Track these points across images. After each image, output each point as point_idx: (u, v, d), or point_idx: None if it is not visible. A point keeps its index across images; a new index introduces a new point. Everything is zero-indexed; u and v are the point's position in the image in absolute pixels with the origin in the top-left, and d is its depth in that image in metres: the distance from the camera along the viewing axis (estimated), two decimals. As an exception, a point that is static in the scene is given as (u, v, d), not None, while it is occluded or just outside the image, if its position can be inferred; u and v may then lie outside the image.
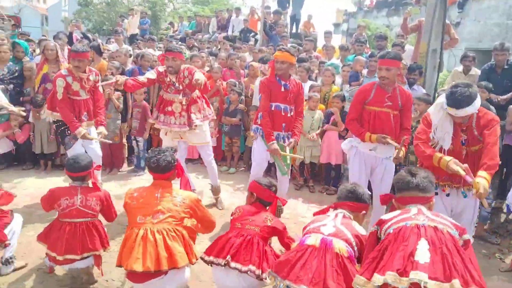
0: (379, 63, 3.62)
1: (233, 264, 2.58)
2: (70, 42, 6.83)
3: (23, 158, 5.92)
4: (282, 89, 3.98)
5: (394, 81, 3.61)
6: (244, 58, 7.35)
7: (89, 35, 7.30)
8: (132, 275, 2.60)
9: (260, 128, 4.05)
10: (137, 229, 2.64)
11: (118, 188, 5.14)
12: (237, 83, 6.15)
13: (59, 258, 2.89)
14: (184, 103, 4.30)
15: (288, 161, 4.07)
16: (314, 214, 2.69)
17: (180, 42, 10.33)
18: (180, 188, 3.12)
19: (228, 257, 2.59)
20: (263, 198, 3.03)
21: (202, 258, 2.76)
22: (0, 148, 5.60)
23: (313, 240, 2.27)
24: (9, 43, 6.14)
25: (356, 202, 2.56)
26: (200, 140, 4.53)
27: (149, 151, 3.02)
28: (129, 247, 2.59)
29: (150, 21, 15.20)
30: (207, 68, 6.81)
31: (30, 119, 5.61)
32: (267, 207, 3.03)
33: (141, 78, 4.29)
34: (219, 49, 9.41)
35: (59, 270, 3.21)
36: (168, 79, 4.27)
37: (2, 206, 3.18)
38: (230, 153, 6.14)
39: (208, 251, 2.76)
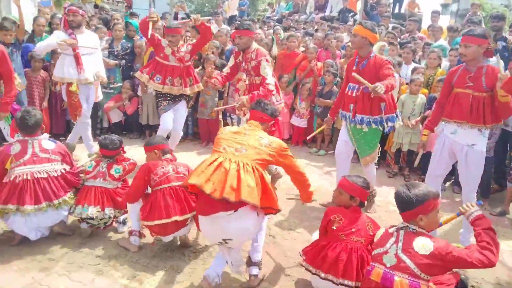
0: (461, 39, 3.31)
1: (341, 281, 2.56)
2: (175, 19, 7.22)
3: (131, 128, 6.48)
4: (355, 67, 3.79)
5: (474, 59, 3.23)
6: (342, 38, 7.11)
7: (192, 15, 7.61)
8: (201, 206, 2.60)
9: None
10: (217, 155, 2.65)
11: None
12: (334, 63, 6.00)
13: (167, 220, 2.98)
14: (247, 82, 4.30)
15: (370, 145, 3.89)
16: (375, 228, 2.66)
17: (276, 23, 10.36)
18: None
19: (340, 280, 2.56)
20: (362, 200, 2.87)
21: (305, 268, 2.76)
22: (112, 118, 6.23)
23: (375, 275, 2.24)
24: (123, 22, 6.70)
25: None
26: None
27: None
28: (202, 168, 2.57)
29: (248, 2, 15.43)
30: (302, 48, 6.74)
31: (139, 93, 6.09)
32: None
33: (225, 70, 4.59)
34: (316, 29, 9.24)
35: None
36: (239, 58, 4.36)
37: (129, 174, 3.52)
38: (321, 135, 6.06)
39: (311, 260, 2.71)
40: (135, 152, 5.70)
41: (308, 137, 5.23)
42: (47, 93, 5.62)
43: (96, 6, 11.83)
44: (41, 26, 5.84)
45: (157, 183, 3.10)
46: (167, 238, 3.17)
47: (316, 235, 2.97)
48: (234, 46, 6.29)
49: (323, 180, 4.97)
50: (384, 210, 4.24)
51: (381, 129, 3.83)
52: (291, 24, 10.37)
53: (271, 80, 4.16)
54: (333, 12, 11.39)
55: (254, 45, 4.34)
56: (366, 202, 3.04)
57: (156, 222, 2.99)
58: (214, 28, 8.05)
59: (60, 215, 3.25)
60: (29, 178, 3.08)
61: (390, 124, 3.81)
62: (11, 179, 3.09)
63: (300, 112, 6.15)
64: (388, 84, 3.40)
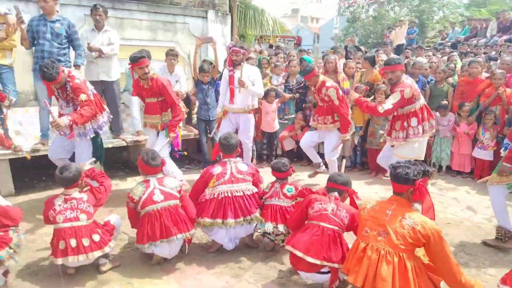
0: None
1: None
2: (346, 54, 7.46)
3: (301, 155, 6.83)
4: None
5: None
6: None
7: (362, 47, 7.80)
8: None
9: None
10: (361, 241, 2.67)
11: (383, 192, 5.28)
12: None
13: (299, 254, 2.96)
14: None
15: None
16: None
17: (451, 49, 9.72)
18: (423, 212, 2.79)
19: None
20: None
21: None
22: (286, 146, 6.72)
23: None
24: (298, 59, 7.25)
25: None
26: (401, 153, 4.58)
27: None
28: (350, 257, 2.69)
29: (417, 30, 14.87)
30: (485, 74, 6.17)
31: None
32: None
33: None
34: (499, 53, 8.32)
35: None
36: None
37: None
38: None
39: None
40: (304, 177, 6.02)
41: (480, 180, 4.62)
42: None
43: (270, 46, 13.11)
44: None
45: (311, 217, 3.16)
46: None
47: None
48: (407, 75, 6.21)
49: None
50: None
51: None
52: (469, 49, 9.59)
53: (387, 105, 4.33)
54: (522, 33, 10.10)
55: (404, 76, 4.44)
56: None
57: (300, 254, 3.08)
58: (383, 58, 8.03)
59: (251, 228, 3.64)
60: (229, 195, 3.53)
61: None
62: (215, 196, 3.55)
63: (484, 144, 5.60)
64: None
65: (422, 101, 4.48)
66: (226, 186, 3.56)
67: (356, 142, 6.20)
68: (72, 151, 4.37)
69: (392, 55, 4.79)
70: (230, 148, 3.75)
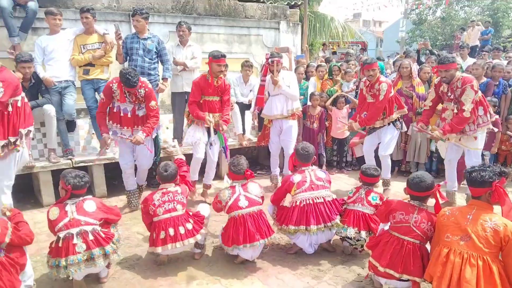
0: None
1: None
2: (418, 58, 7.35)
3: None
4: None
5: None
6: None
7: (435, 50, 7.62)
8: None
9: None
10: (443, 247, 2.67)
11: (461, 200, 5.15)
12: None
13: (380, 269, 3.00)
14: (455, 111, 4.48)
15: None
16: None
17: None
18: (503, 215, 2.69)
19: None
20: None
21: None
22: (357, 152, 6.73)
23: None
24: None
25: None
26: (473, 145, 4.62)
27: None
28: (433, 264, 2.69)
29: (492, 30, 14.09)
30: None
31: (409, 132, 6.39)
32: None
33: (426, 103, 4.95)
34: None
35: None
36: (442, 88, 4.62)
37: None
38: None
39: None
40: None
41: None
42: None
43: (334, 53, 13.11)
44: (300, 74, 6.95)
45: (391, 227, 3.16)
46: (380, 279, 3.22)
47: None
48: (488, 79, 6.00)
49: None
50: None
51: None
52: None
53: (468, 106, 4.36)
54: None
55: (458, 73, 4.50)
56: None
57: (376, 263, 3.14)
58: (459, 61, 7.79)
59: (331, 234, 3.77)
60: (311, 202, 3.65)
61: None
62: (297, 203, 3.68)
63: None
64: None
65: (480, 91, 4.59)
66: (307, 193, 3.69)
67: (433, 148, 6.09)
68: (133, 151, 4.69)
69: (445, 54, 4.82)
70: (308, 157, 3.86)
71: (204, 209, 3.83)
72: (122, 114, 4.39)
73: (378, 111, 5.00)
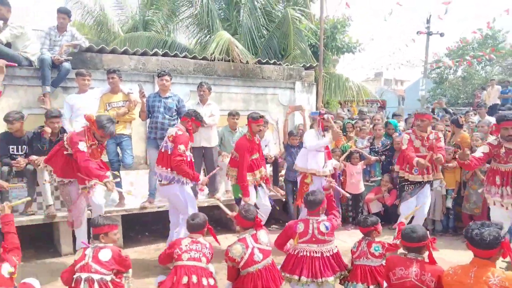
0: None
1: None
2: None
3: (389, 219, 6.74)
4: None
5: None
6: None
7: (450, 109, 7.73)
8: None
9: None
10: None
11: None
12: None
13: None
14: None
15: None
16: None
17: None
18: None
19: None
20: None
21: None
22: (372, 208, 6.70)
23: None
24: (383, 122, 7.41)
25: None
26: None
27: (476, 222, 2.82)
28: None
29: (512, 89, 14.13)
30: None
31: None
32: None
33: (477, 155, 4.56)
34: None
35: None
36: (503, 150, 4.38)
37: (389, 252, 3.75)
38: None
39: None
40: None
41: None
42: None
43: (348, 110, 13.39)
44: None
45: (392, 285, 3.11)
46: None
47: None
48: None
49: None
50: None
51: None
52: None
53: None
54: None
55: None
56: None
57: None
58: (476, 119, 7.86)
59: None
60: (307, 254, 3.64)
61: None
62: (295, 253, 3.70)
63: None
64: None
65: None
66: (305, 245, 3.69)
67: (449, 205, 6.01)
68: None
69: (505, 112, 4.82)
70: (314, 204, 3.81)
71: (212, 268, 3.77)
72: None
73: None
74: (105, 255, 3.26)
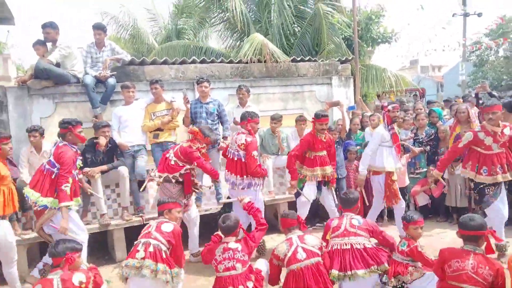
0: None
1: None
2: (477, 102, 7.18)
3: (437, 211, 6.59)
4: None
5: None
6: None
7: (495, 92, 7.39)
8: None
9: None
10: None
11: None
12: None
13: None
14: None
15: None
16: None
17: None
18: None
19: None
20: None
21: None
22: (419, 201, 6.56)
23: None
24: (425, 111, 7.22)
25: None
26: None
27: None
28: None
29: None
30: None
31: (445, 175, 6.24)
32: None
33: None
34: None
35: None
36: None
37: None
38: None
39: None
40: (445, 235, 5.75)
41: None
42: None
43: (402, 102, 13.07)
44: (356, 125, 7.06)
45: (448, 277, 3.06)
46: None
47: None
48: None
49: None
50: None
51: None
52: None
53: None
54: None
55: None
56: None
57: None
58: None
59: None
60: (338, 248, 3.71)
61: None
62: (329, 249, 3.78)
63: None
64: None
65: None
66: (338, 239, 3.75)
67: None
68: None
69: None
70: (349, 202, 3.95)
71: (262, 264, 3.89)
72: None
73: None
74: (167, 227, 3.61)
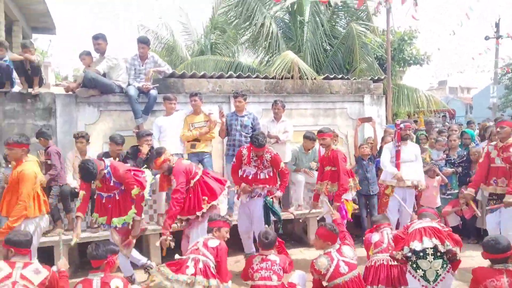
0: None
1: None
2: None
3: (468, 232, 6.52)
4: None
5: None
6: None
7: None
8: None
9: None
10: None
11: None
12: None
13: None
14: None
15: None
16: None
17: None
18: None
19: None
20: None
21: None
22: (450, 222, 6.52)
23: None
24: (458, 133, 7.21)
25: None
26: None
27: None
28: None
29: None
30: None
31: (479, 196, 6.20)
32: None
33: None
34: None
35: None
36: None
37: None
38: None
39: None
40: (476, 257, 5.68)
41: None
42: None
43: (415, 121, 13.01)
44: (387, 143, 7.10)
45: None
46: None
47: None
48: None
49: None
50: None
51: None
52: None
53: None
54: None
55: None
56: None
57: None
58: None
59: None
60: (384, 263, 3.79)
61: None
62: (372, 264, 3.85)
63: None
64: None
65: None
66: (382, 255, 3.82)
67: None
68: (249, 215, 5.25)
69: None
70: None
71: (296, 278, 3.95)
72: (244, 176, 5.16)
73: None
74: (213, 243, 3.72)
